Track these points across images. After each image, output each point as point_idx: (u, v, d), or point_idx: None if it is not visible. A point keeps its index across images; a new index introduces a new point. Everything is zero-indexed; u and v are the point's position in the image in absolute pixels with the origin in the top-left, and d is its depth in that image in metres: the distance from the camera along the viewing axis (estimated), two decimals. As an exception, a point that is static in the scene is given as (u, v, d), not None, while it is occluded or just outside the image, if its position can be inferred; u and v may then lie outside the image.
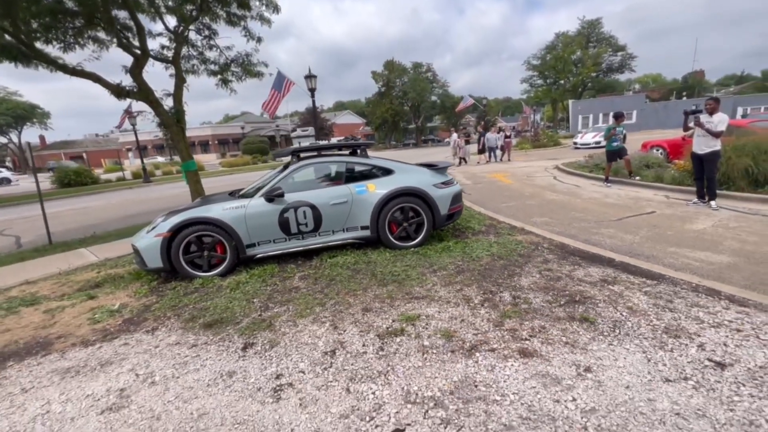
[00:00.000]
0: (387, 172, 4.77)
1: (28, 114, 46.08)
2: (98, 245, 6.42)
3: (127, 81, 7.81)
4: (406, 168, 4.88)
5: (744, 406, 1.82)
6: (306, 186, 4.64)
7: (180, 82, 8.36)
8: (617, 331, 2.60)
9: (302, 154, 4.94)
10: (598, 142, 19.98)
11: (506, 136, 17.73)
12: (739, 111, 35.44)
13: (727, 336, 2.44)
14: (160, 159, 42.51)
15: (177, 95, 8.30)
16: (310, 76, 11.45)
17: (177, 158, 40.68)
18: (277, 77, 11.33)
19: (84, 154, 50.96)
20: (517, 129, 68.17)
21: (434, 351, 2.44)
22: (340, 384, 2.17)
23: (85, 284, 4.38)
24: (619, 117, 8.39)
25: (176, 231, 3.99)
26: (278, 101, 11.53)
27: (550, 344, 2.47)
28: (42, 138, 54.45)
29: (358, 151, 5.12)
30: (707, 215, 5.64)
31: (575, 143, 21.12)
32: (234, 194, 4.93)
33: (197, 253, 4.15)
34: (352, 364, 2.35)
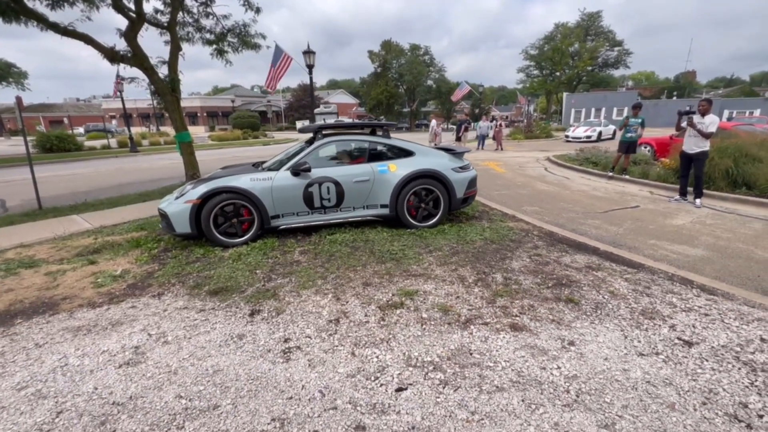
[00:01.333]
0: (408, 153, 4.90)
1: (3, 73, 43.64)
2: (91, 213, 6.37)
3: (120, 45, 7.57)
4: (426, 150, 5.04)
5: (705, 377, 2.06)
6: (330, 162, 4.81)
7: (175, 49, 8.14)
8: (599, 311, 2.83)
9: (326, 131, 5.08)
10: (589, 137, 20.36)
11: (497, 126, 17.83)
12: (726, 113, 36.33)
13: (696, 319, 2.70)
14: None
15: (172, 63, 8.09)
16: (308, 52, 11.24)
17: (164, 128, 39.42)
18: (275, 51, 11.09)
19: (65, 119, 48.89)
20: (511, 119, 68.36)
21: (432, 323, 2.62)
22: (346, 348, 2.34)
23: (83, 250, 4.40)
24: (636, 107, 8.47)
25: (206, 198, 4.09)
26: (278, 77, 11.33)
27: (538, 321, 2.69)
28: (19, 99, 51.86)
29: (377, 131, 5.27)
30: (687, 212, 5.95)
31: (567, 136, 21.42)
32: (257, 166, 5.06)
33: (225, 221, 4.26)
34: (355, 332, 2.52)
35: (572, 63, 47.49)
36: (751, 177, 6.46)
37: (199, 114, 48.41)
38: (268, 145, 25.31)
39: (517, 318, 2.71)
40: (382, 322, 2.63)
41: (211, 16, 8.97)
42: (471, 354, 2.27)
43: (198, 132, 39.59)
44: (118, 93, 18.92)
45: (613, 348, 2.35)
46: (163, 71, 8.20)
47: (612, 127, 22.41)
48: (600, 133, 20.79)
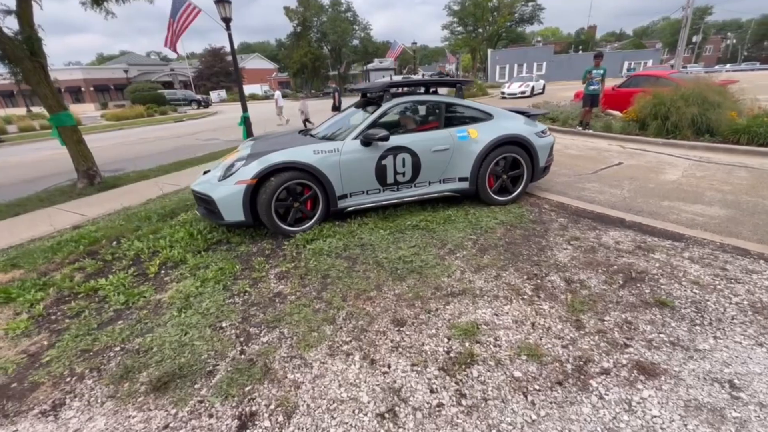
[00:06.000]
0: (486, 116, 4.22)
1: None
2: (-76, 244, 4.25)
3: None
4: (505, 113, 4.38)
5: None
6: (401, 128, 4.15)
7: (25, -7, 5.67)
8: (706, 316, 2.21)
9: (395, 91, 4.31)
10: (524, 92, 20.69)
11: None
12: (626, 65, 40.08)
13: (816, 310, 2.20)
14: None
15: (24, 13, 5.65)
16: (222, 1, 9.01)
17: (35, 109, 32.01)
18: (174, 1, 8.66)
19: None
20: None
21: (535, 386, 1.74)
22: (438, 481, 1.36)
23: None
24: (597, 57, 8.04)
25: (262, 178, 3.34)
26: (179, 32, 8.91)
27: (656, 348, 1.96)
28: None
29: (432, 89, 4.61)
30: (670, 165, 5.79)
31: (503, 93, 21.54)
32: (305, 134, 4.50)
33: (283, 205, 3.50)
34: (434, 433, 1.54)
35: (492, 19, 47.98)
36: (714, 124, 6.53)
37: (83, 89, 40.07)
38: (181, 121, 21.73)
39: (632, 350, 1.95)
40: (464, 401, 1.68)
41: (74, -53, 6.44)
42: (633, 445, 1.45)
43: (86, 110, 32.84)
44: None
45: (784, 382, 1.71)
46: (10, 26, 5.74)
47: (542, 82, 23.06)
48: (533, 88, 21.23)
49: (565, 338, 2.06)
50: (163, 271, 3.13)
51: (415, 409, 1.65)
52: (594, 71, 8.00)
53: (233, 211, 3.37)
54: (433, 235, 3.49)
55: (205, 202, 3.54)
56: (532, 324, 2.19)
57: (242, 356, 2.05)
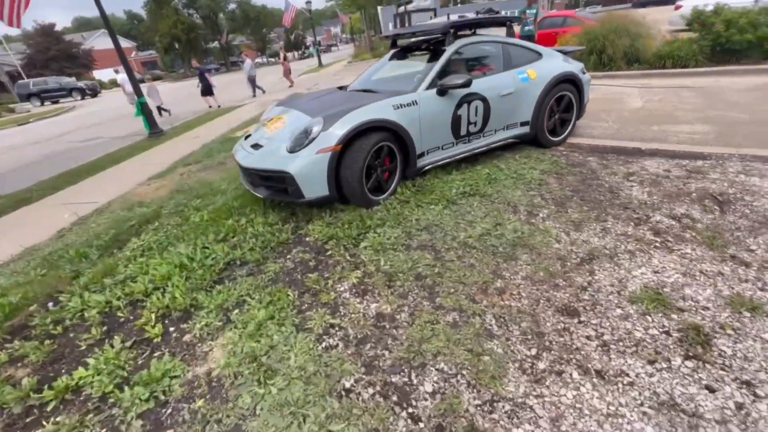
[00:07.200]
0: (537, 55, 3.94)
1: None
2: None
3: None
4: (548, 50, 4.14)
5: None
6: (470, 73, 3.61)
7: None
8: (821, 223, 2.22)
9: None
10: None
11: (283, 59, 15.92)
12: (501, 13, 43.11)
13: None
14: None
15: None
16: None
17: None
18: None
19: None
20: (327, 44, 64.72)
21: (801, 346, 1.47)
22: None
23: None
24: None
25: (346, 143, 2.83)
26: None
27: (831, 267, 1.87)
28: None
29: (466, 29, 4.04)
30: (626, 94, 6.17)
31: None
32: (344, 89, 4.17)
33: (368, 171, 3.01)
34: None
35: (374, -26, 46.48)
36: (641, 53, 7.14)
37: None
38: (27, 123, 16.86)
39: (818, 275, 1.83)
40: (765, 400, 1.32)
41: None
42: None
43: None
44: None
45: None
46: None
47: (534, 14, 23.41)
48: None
49: (749, 279, 1.85)
50: (172, 329, 2.11)
51: (717, 422, 1.24)
52: (528, 11, 8.07)
53: (316, 186, 2.88)
54: (491, 199, 3.03)
55: (273, 181, 3.00)
56: (702, 272, 1.94)
57: (431, 423, 1.38)
